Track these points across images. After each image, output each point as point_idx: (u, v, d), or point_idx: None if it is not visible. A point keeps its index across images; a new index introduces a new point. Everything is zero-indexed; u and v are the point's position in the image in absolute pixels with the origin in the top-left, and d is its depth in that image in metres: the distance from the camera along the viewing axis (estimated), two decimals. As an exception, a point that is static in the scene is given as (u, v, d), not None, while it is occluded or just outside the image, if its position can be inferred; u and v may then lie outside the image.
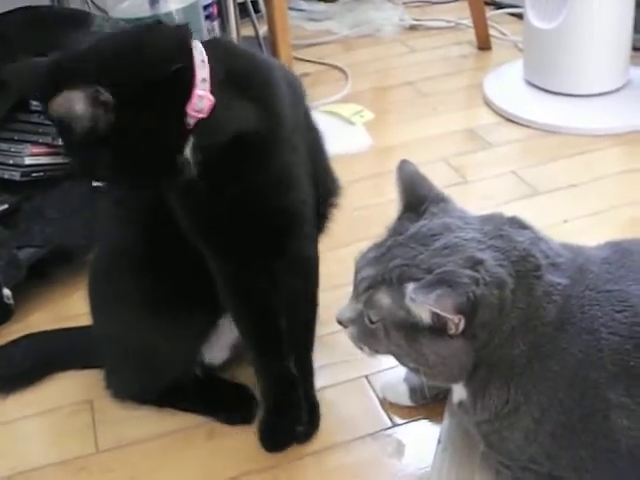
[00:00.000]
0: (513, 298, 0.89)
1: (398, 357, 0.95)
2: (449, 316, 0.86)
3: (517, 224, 0.95)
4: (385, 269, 0.92)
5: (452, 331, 0.88)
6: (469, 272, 0.87)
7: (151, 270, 1.11)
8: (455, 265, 0.88)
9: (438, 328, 0.88)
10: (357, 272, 0.97)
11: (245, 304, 1.13)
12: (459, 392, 0.99)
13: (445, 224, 0.93)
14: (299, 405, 1.15)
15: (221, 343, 1.21)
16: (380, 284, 0.92)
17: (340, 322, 0.98)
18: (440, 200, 0.98)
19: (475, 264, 0.88)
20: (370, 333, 0.95)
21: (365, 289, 0.94)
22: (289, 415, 1.15)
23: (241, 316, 1.15)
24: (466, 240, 0.91)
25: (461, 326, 0.87)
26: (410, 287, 0.87)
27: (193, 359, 1.21)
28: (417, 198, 0.98)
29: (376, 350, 0.97)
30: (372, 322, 0.94)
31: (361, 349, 0.99)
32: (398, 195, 1.00)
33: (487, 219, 0.95)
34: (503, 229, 0.93)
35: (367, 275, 0.94)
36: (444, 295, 0.85)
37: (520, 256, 0.90)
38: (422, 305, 0.87)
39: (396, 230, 0.96)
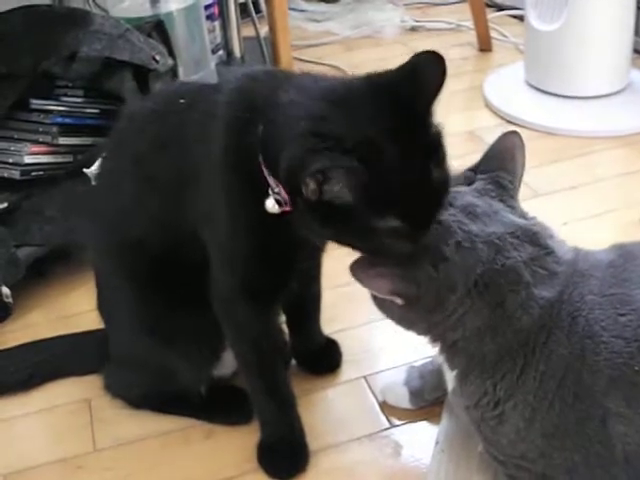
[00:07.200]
0: (471, 303, 0.90)
1: None
2: None
3: (528, 237, 0.93)
4: None
5: None
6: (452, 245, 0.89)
7: (163, 293, 1.08)
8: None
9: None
10: None
11: (268, 354, 1.11)
12: (452, 379, 0.99)
13: (467, 205, 0.93)
14: (299, 427, 1.13)
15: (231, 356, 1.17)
16: None
17: None
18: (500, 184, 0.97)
19: (454, 245, 0.89)
20: None
21: None
22: (290, 441, 1.13)
23: (263, 369, 1.12)
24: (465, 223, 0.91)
25: None
26: None
27: (203, 377, 1.19)
28: (486, 167, 0.99)
29: None
30: None
31: None
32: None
33: (518, 224, 0.94)
34: (510, 238, 0.92)
35: None
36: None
37: (505, 267, 0.90)
38: None
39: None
